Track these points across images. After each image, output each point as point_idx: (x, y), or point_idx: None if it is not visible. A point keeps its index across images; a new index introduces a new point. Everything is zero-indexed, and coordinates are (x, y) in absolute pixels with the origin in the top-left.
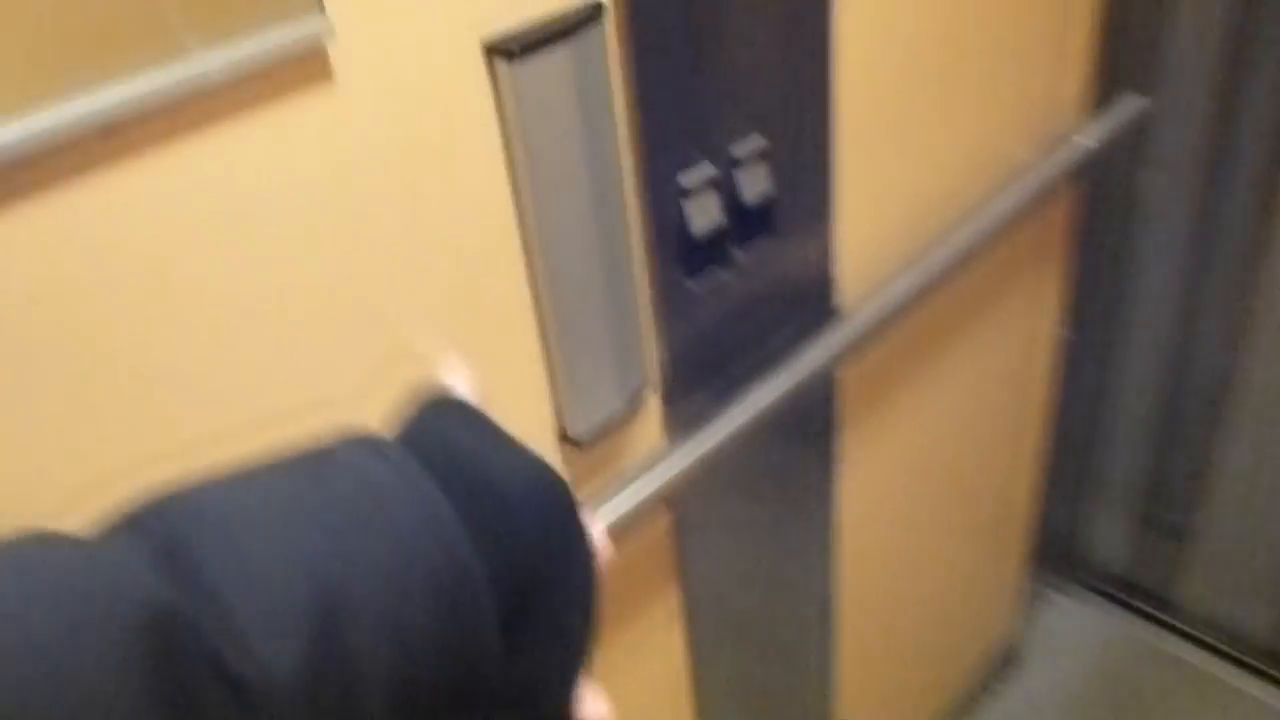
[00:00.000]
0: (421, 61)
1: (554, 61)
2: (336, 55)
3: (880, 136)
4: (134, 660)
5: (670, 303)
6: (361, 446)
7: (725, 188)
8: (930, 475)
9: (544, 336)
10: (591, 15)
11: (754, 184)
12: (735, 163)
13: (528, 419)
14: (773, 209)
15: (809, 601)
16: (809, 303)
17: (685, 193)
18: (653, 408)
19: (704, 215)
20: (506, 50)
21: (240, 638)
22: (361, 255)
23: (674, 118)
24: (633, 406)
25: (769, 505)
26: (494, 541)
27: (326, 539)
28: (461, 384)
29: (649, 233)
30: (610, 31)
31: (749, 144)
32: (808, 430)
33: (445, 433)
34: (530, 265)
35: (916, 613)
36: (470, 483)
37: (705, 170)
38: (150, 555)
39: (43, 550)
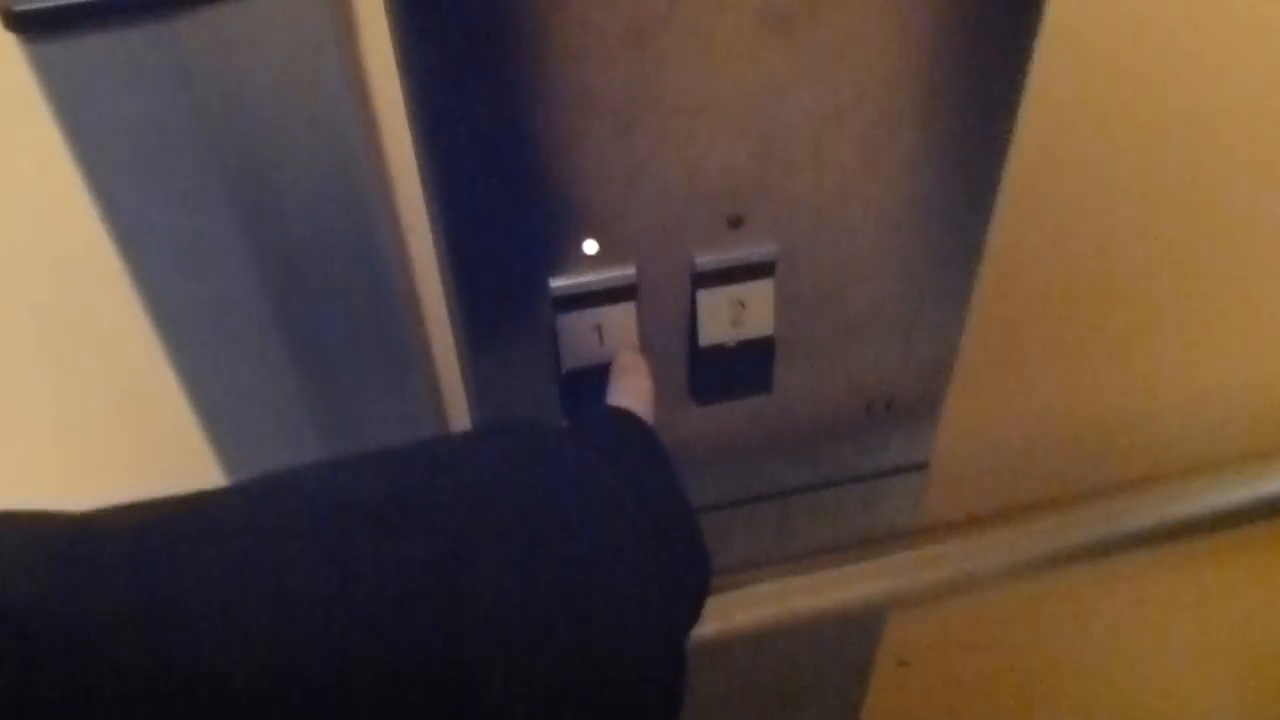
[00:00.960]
0: None
1: (147, 41)
2: None
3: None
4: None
5: None
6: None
7: (679, 306)
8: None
9: None
10: None
11: (729, 317)
12: (702, 277)
13: None
14: (774, 349)
15: None
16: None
17: (562, 303)
18: None
19: (595, 346)
20: (25, 18)
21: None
22: None
23: (537, 173)
24: None
25: None
26: (683, 592)
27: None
28: (640, 401)
29: (474, 365)
30: None
31: (738, 247)
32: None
33: (637, 467)
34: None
35: None
36: (675, 535)
37: (615, 274)
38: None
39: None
